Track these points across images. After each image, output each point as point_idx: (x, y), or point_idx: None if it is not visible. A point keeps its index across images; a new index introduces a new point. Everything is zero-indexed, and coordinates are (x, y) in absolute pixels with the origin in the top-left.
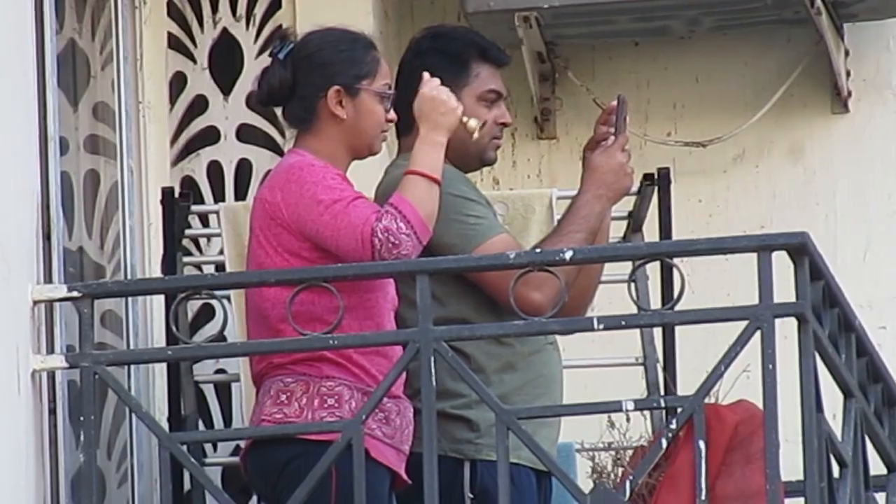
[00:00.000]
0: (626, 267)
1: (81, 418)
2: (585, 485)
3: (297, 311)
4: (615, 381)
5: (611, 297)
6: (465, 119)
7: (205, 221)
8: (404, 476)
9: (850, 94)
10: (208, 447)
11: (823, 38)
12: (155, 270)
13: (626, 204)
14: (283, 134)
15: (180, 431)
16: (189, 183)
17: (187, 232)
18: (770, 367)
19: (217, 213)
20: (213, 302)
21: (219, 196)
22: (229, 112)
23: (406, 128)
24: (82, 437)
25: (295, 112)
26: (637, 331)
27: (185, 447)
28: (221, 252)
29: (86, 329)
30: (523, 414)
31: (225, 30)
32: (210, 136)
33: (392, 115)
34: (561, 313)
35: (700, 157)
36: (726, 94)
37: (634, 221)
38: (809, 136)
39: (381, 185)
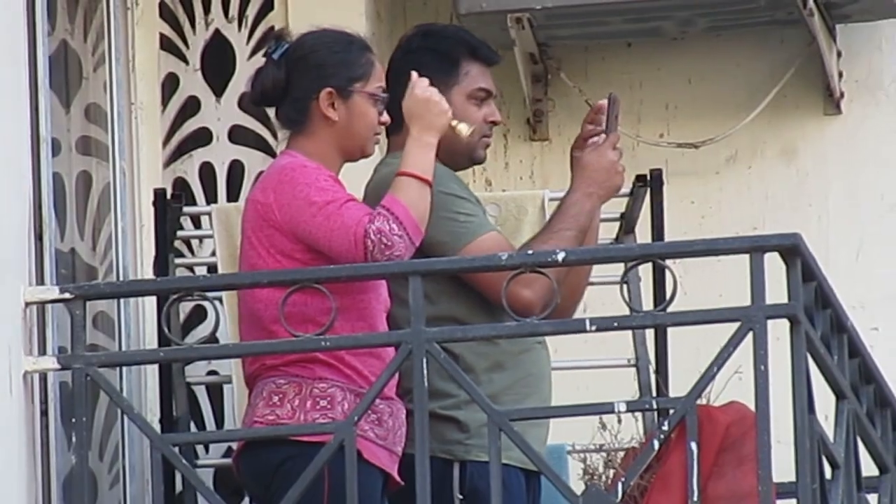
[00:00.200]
0: (618, 268)
1: (73, 420)
2: (577, 486)
3: (290, 313)
4: (607, 382)
5: (603, 298)
6: (454, 123)
7: (197, 223)
8: (397, 477)
9: (842, 95)
10: (200, 449)
11: (816, 40)
12: (147, 272)
13: (619, 205)
14: (275, 135)
15: (172, 433)
16: (181, 184)
17: (179, 233)
18: (762, 368)
19: (209, 214)
20: (206, 303)
21: (211, 197)
22: (221, 113)
23: (395, 126)
24: (74, 439)
25: (287, 113)
26: (629, 332)
27: (176, 449)
28: (213, 253)
29: (77, 330)
30: (515, 415)
31: (217, 31)
32: (202, 137)
33: (385, 117)
34: (552, 312)
35: (692, 159)
36: (719, 96)
37: (627, 223)
38: (802, 138)
39: (370, 183)
